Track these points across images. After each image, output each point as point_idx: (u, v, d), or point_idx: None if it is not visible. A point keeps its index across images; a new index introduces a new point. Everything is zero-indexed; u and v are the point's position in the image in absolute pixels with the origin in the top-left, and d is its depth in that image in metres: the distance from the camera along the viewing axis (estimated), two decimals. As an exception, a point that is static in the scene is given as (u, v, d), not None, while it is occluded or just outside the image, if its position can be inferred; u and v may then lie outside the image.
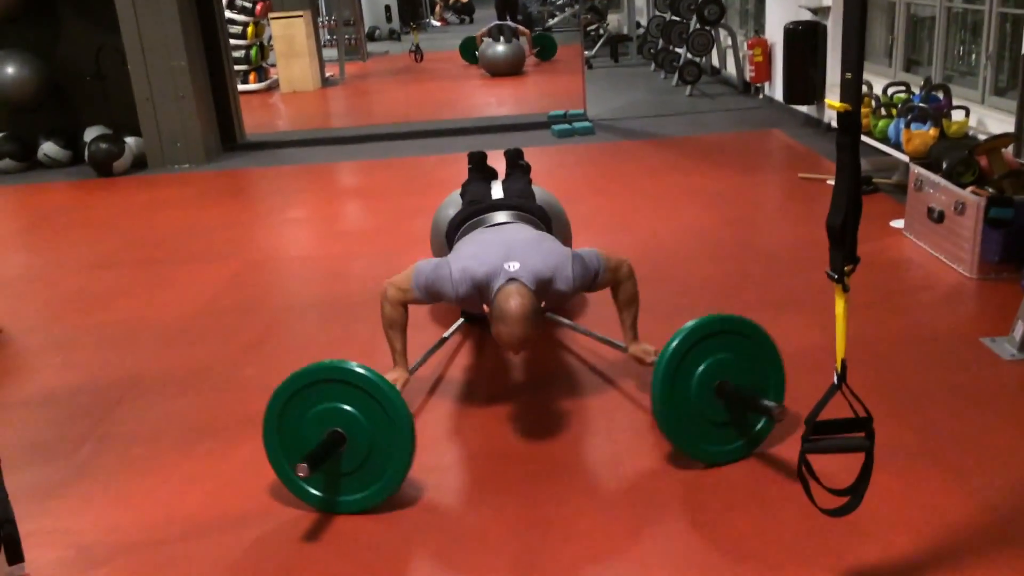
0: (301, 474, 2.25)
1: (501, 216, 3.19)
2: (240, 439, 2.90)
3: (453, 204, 3.74)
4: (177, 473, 2.74)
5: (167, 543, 2.39)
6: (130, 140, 7.43)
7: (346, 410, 2.40)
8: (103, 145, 7.15)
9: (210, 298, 4.23)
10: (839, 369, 1.87)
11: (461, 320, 3.57)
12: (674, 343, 2.48)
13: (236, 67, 11.70)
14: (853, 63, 1.64)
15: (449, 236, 3.30)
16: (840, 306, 1.84)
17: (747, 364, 2.55)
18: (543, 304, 2.78)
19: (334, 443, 2.38)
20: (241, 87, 11.75)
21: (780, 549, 2.19)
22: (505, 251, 2.73)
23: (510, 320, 2.56)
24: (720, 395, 2.51)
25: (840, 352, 1.86)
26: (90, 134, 7.50)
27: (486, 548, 2.28)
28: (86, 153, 7.20)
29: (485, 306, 2.79)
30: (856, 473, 1.95)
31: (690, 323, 2.51)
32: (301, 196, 6.40)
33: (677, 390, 2.50)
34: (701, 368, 2.50)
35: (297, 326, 3.87)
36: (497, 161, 4.03)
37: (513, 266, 2.67)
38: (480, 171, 3.86)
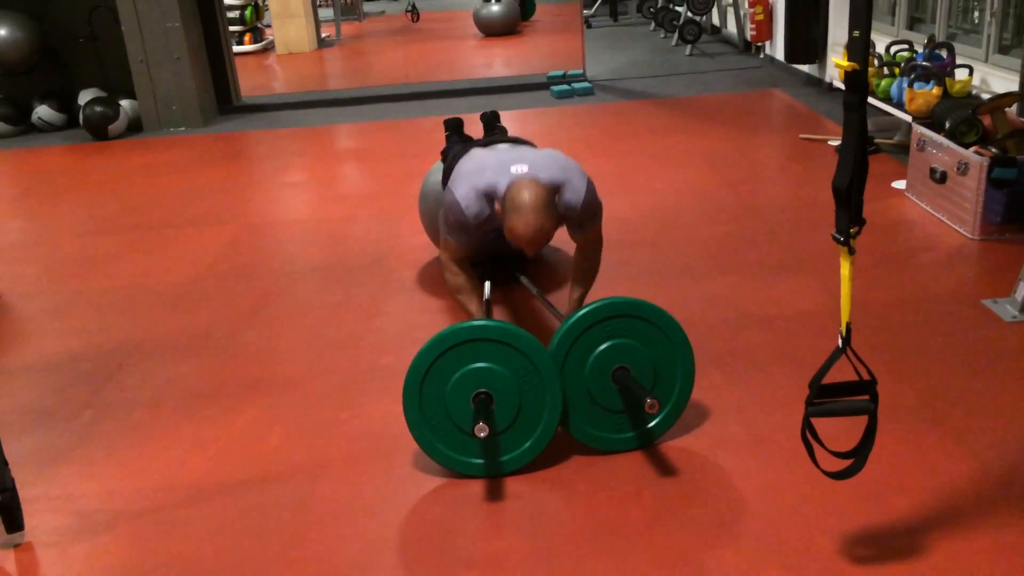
0: (482, 435, 2.19)
1: (501, 146, 3.08)
2: (242, 404, 2.90)
3: (440, 171, 3.70)
4: (179, 439, 2.74)
5: (169, 509, 2.40)
6: (125, 103, 7.35)
7: (485, 368, 2.34)
8: (98, 108, 7.07)
9: (209, 263, 4.21)
10: (844, 333, 1.85)
11: (488, 283, 3.48)
12: (581, 312, 2.41)
13: (231, 28, 11.57)
14: (861, 20, 1.60)
15: (445, 175, 3.17)
16: (846, 269, 1.82)
17: (654, 355, 2.45)
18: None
19: (486, 405, 2.34)
20: (236, 48, 11.61)
21: (782, 511, 2.19)
22: (510, 159, 2.63)
23: (524, 209, 2.44)
24: (615, 380, 2.43)
25: (845, 315, 1.85)
26: (84, 97, 7.43)
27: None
28: (81, 116, 7.13)
29: (497, 206, 2.64)
30: (858, 436, 1.95)
31: (604, 300, 2.43)
32: (299, 159, 6.35)
33: (570, 364, 2.41)
34: (603, 347, 2.41)
35: (297, 290, 3.85)
36: (473, 125, 3.98)
37: (521, 168, 2.58)
38: (458, 136, 3.81)
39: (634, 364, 2.44)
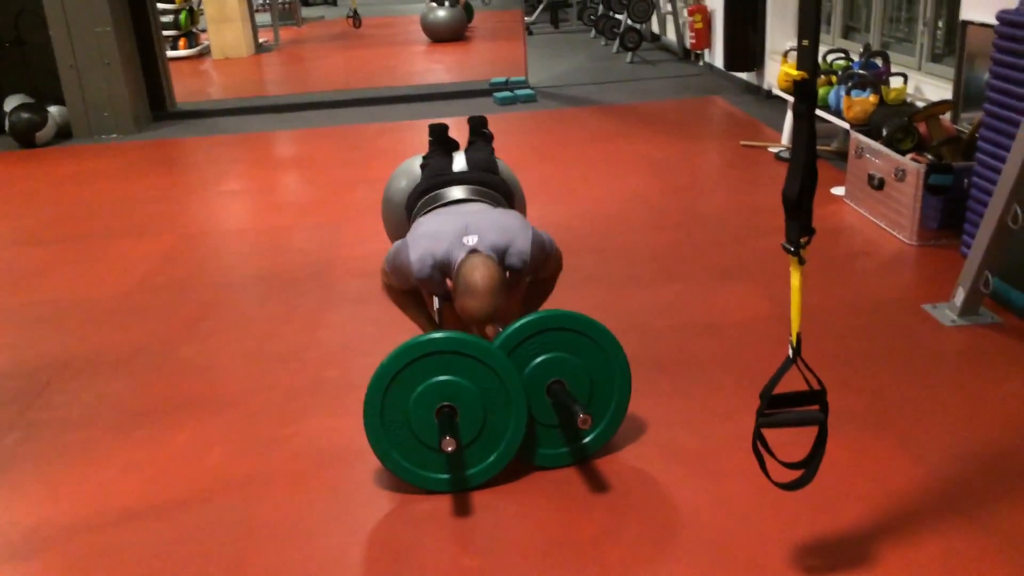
0: (449, 448, 2.13)
1: (458, 192, 3.04)
2: (178, 423, 2.79)
3: (405, 174, 3.62)
4: (112, 460, 2.62)
5: (103, 534, 2.28)
6: (53, 109, 7.11)
7: (449, 381, 2.29)
8: (24, 115, 6.82)
9: (143, 274, 4.07)
10: (794, 342, 1.84)
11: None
12: (515, 326, 2.38)
13: (165, 32, 11.31)
14: (810, 30, 1.60)
15: (408, 209, 3.15)
16: (796, 279, 1.81)
17: (591, 370, 2.42)
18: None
19: (451, 418, 2.27)
20: (171, 53, 11.35)
21: (733, 522, 2.18)
22: (463, 225, 2.62)
23: (477, 293, 2.44)
24: (549, 394, 2.40)
25: (795, 326, 1.84)
26: (10, 103, 7.16)
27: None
28: (6, 123, 6.87)
29: (448, 282, 2.69)
30: (807, 445, 1.95)
31: (537, 313, 2.42)
32: (237, 166, 6.20)
33: None
34: (537, 361, 2.38)
35: (236, 303, 3.74)
36: (459, 129, 3.92)
37: (471, 240, 2.57)
38: (442, 144, 3.74)
39: (569, 378, 2.40)
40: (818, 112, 5.26)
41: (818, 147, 5.29)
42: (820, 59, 5.67)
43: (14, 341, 3.47)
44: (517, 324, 2.38)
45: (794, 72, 1.60)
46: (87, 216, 5.07)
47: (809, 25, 1.58)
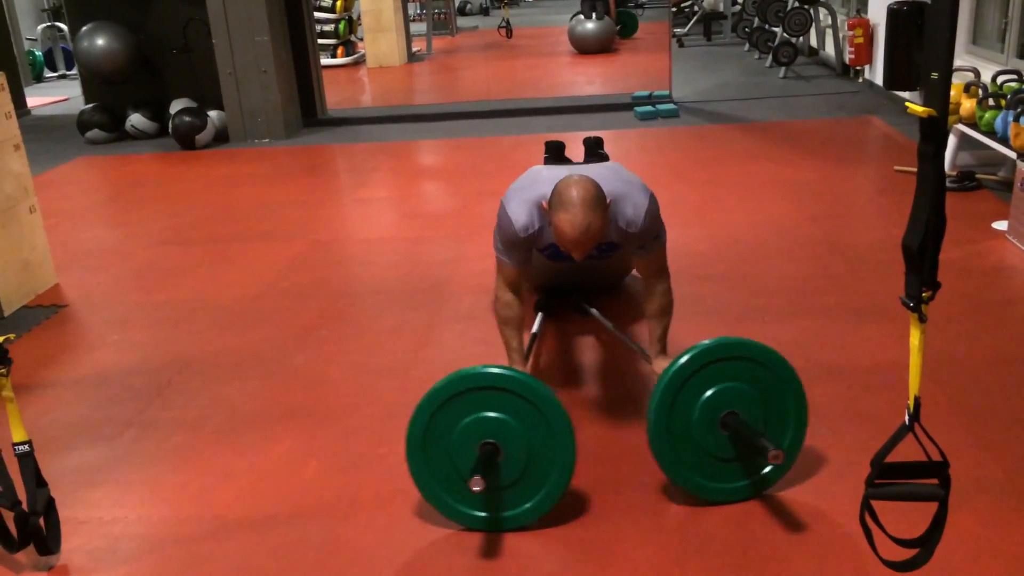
0: (476, 488, 2.07)
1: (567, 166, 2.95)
2: (280, 432, 2.83)
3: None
4: (214, 465, 2.68)
5: (195, 541, 2.33)
6: (213, 114, 7.49)
7: (495, 418, 2.21)
8: (186, 118, 7.22)
9: (271, 280, 4.19)
10: (911, 408, 1.64)
11: (540, 315, 3.38)
12: (683, 359, 2.24)
13: (325, 41, 11.79)
14: (941, 61, 1.41)
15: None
16: (915, 337, 1.61)
17: (765, 399, 2.28)
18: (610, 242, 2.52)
19: (490, 456, 2.20)
20: (329, 61, 11.83)
21: (838, 595, 1.98)
22: (568, 170, 2.51)
23: (571, 205, 2.29)
24: (725, 427, 2.26)
25: (913, 389, 1.64)
26: (175, 107, 7.60)
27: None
28: (170, 126, 7.30)
29: (544, 206, 2.47)
30: (929, 517, 1.73)
31: (706, 342, 2.26)
32: (375, 175, 6.33)
33: (676, 413, 2.26)
34: (708, 394, 2.25)
35: (352, 312, 3.78)
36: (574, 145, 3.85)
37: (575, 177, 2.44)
38: (557, 161, 3.68)
39: (742, 408, 2.26)
40: (983, 138, 4.84)
41: (982, 175, 4.90)
42: (990, 80, 5.23)
43: (145, 339, 3.63)
44: (680, 362, 2.25)
45: (919, 109, 1.42)
46: (229, 218, 5.29)
47: (939, 55, 1.39)
